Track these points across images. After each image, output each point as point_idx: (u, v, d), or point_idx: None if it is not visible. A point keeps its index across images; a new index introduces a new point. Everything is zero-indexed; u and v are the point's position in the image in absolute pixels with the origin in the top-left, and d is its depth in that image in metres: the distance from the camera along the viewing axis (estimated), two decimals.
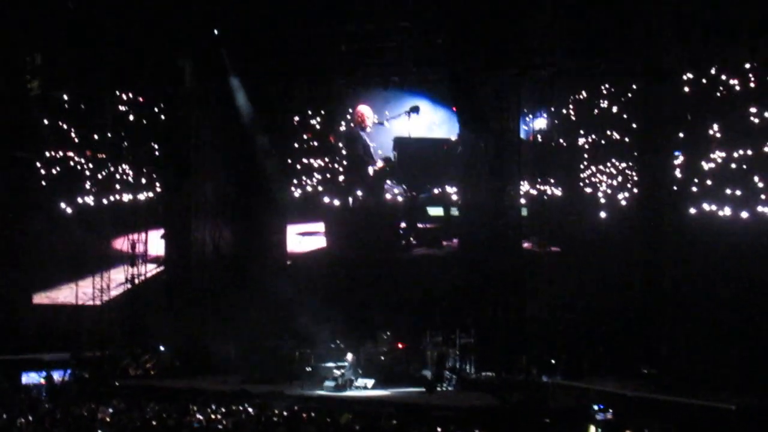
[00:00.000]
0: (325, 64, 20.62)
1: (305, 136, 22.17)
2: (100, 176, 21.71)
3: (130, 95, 21.75)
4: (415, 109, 19.56)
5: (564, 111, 20.35)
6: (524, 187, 19.61)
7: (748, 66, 17.36)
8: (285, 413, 14.34)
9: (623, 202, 19.59)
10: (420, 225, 21.17)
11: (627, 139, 19.86)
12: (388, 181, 20.34)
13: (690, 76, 17.94)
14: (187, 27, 20.11)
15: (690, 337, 17.24)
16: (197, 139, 20.69)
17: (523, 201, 19.51)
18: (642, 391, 15.88)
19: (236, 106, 20.52)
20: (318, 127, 22.12)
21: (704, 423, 14.37)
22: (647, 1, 18.12)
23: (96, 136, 21.72)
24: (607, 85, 19.97)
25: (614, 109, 19.94)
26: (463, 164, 19.54)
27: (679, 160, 18.28)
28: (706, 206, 17.67)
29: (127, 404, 15.28)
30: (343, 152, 21.22)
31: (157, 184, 21.65)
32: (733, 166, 17.55)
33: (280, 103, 21.56)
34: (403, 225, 20.80)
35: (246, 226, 21.01)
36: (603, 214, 19.69)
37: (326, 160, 22.06)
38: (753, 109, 17.29)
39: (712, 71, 17.80)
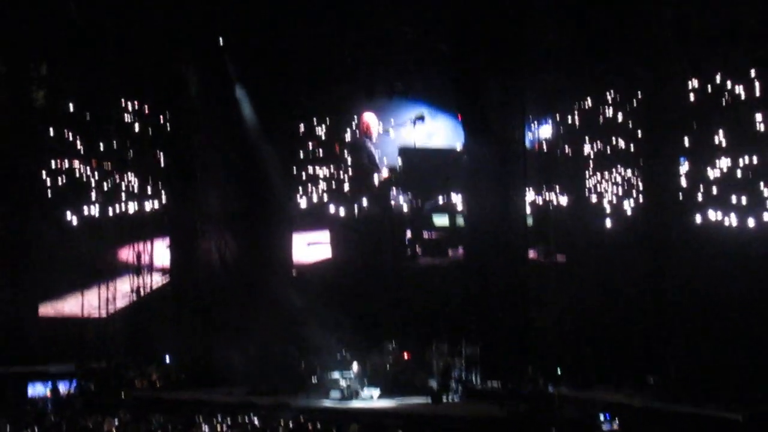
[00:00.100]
0: (331, 73, 20.65)
1: (311, 145, 22.19)
2: (105, 186, 21.67)
3: (135, 105, 21.73)
4: (420, 118, 19.63)
5: (569, 119, 20.32)
6: (529, 195, 19.59)
7: (753, 74, 17.32)
8: (291, 424, 14.33)
9: (628, 210, 19.55)
10: (425, 234, 21.17)
11: (632, 147, 19.82)
12: (394, 190, 20.36)
13: (695, 83, 17.91)
14: (192, 37, 20.11)
15: (696, 346, 17.19)
16: (202, 148, 20.68)
17: (528, 209, 19.50)
18: (648, 401, 15.87)
19: (241, 116, 20.51)
20: (323, 136, 22.13)
21: None
22: (652, 10, 18.08)
23: (101, 146, 21.68)
24: (611, 93, 19.94)
25: (619, 117, 19.90)
26: (469, 173, 19.53)
27: (684, 167, 18.24)
28: (711, 213, 17.63)
29: (133, 416, 15.30)
30: (349, 161, 21.24)
31: (163, 194, 21.63)
32: (739, 173, 17.51)
33: (286, 112, 21.54)
34: (408, 234, 20.81)
35: (251, 236, 20.96)
36: (608, 222, 19.65)
37: (332, 168, 22.06)
38: (758, 116, 17.25)
39: (717, 79, 17.76)
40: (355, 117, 21.15)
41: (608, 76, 19.38)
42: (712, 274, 17.17)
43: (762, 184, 17.15)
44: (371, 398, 17.56)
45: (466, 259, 20.04)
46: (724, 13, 17.23)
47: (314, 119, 22.22)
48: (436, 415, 16.32)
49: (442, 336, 18.67)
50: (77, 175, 21.72)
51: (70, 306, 21.35)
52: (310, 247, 22.08)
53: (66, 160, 21.81)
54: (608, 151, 20.15)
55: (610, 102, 20.03)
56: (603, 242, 19.48)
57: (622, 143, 19.97)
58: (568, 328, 18.30)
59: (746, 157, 17.44)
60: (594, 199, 20.23)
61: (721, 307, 16.99)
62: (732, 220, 17.37)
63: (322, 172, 22.05)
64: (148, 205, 21.63)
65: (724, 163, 17.70)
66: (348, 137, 21.53)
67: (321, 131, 22.10)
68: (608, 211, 19.84)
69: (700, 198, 17.91)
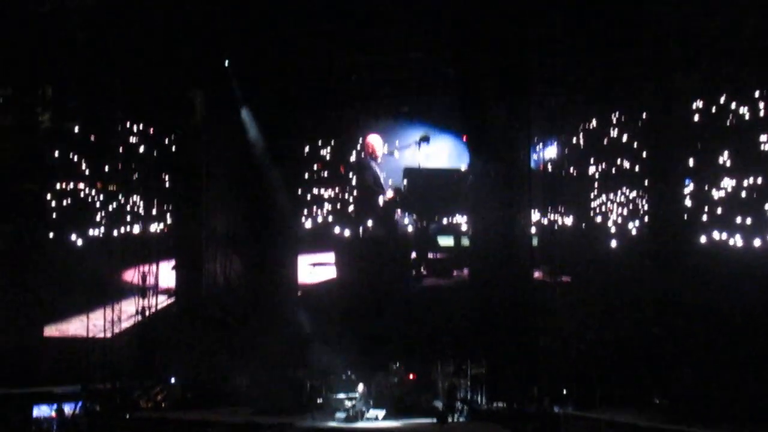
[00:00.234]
0: (336, 95, 20.71)
1: (316, 167, 22.23)
2: (110, 208, 21.70)
3: (141, 127, 21.78)
4: (425, 139, 19.63)
5: (574, 140, 20.36)
6: (535, 216, 19.61)
7: (757, 94, 17.36)
8: None
9: (634, 231, 19.56)
10: (430, 255, 21.18)
11: (637, 168, 19.86)
12: (399, 211, 20.37)
13: (700, 104, 17.95)
14: (197, 58, 20.16)
15: (703, 367, 17.15)
16: (208, 170, 20.72)
17: (533, 230, 19.51)
18: (655, 422, 15.81)
19: (247, 137, 20.56)
20: (328, 157, 22.18)
21: None
22: (658, 30, 18.13)
23: (107, 168, 21.73)
24: (617, 114, 19.99)
25: (624, 138, 19.94)
26: (474, 194, 19.54)
27: (690, 188, 18.27)
28: (716, 234, 17.64)
29: None
30: (354, 182, 21.27)
31: (168, 216, 21.66)
32: (744, 194, 17.53)
33: (291, 134, 21.58)
34: (413, 255, 20.81)
35: (257, 257, 20.96)
36: (614, 243, 19.66)
37: (336, 190, 22.10)
38: (763, 137, 17.28)
39: (722, 99, 17.80)
40: (360, 138, 21.15)
41: (613, 97, 19.43)
42: (718, 294, 17.17)
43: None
44: (376, 419, 17.50)
45: (471, 280, 20.00)
46: (730, 33, 17.30)
47: (319, 141, 22.30)
48: None
49: (447, 356, 18.63)
50: (82, 196, 21.79)
51: (75, 327, 21.34)
52: (316, 268, 22.10)
53: (71, 182, 21.89)
54: (613, 172, 20.20)
55: (615, 122, 20.09)
56: (608, 262, 19.49)
57: (627, 164, 20.03)
58: (573, 348, 18.24)
59: (751, 178, 17.48)
60: (599, 219, 20.26)
61: (728, 327, 16.97)
62: (737, 240, 17.39)
63: (327, 193, 22.11)
64: (154, 227, 21.67)
65: (729, 183, 17.75)
66: (353, 158, 21.59)
67: (326, 153, 22.17)
68: (613, 231, 19.87)
69: (705, 218, 17.95)
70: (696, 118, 18.27)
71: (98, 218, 21.74)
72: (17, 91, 20.96)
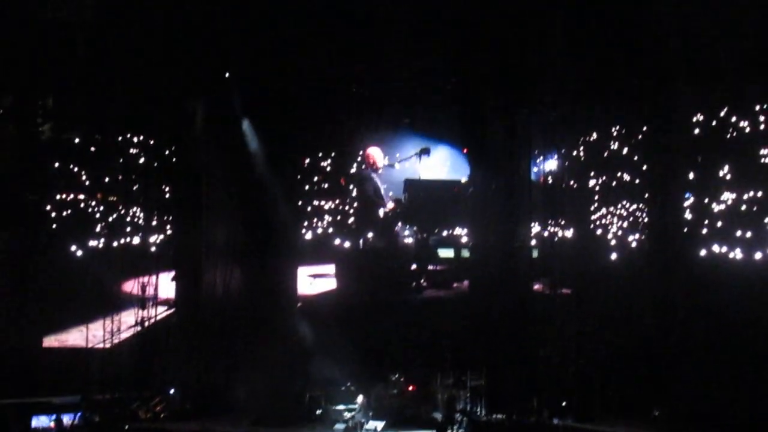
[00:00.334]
0: (336, 108, 20.72)
1: (316, 178, 22.24)
2: (110, 219, 21.70)
3: (141, 138, 21.78)
4: (425, 151, 19.68)
5: (575, 153, 20.38)
6: (535, 228, 19.62)
7: (758, 108, 17.40)
8: None
9: (634, 244, 19.57)
10: (431, 267, 21.18)
11: (638, 181, 19.87)
12: (399, 223, 20.39)
13: (700, 117, 17.98)
14: (198, 70, 20.15)
15: (702, 379, 17.16)
16: (208, 181, 20.71)
17: (534, 243, 19.52)
18: None
19: (247, 149, 20.54)
20: (329, 169, 22.19)
21: None
22: (659, 44, 18.17)
23: (107, 179, 21.72)
24: (617, 127, 20.02)
25: (625, 151, 19.96)
26: (474, 206, 19.56)
27: (690, 201, 18.29)
28: (716, 248, 17.65)
29: None
30: (354, 194, 21.28)
31: (168, 227, 21.64)
32: (744, 207, 17.55)
33: (291, 146, 21.57)
34: (413, 267, 20.82)
35: (257, 269, 20.91)
36: (614, 255, 19.67)
37: (337, 201, 22.11)
38: (763, 151, 17.31)
39: (722, 113, 17.83)
40: (361, 150, 21.17)
41: (614, 110, 19.46)
42: (718, 308, 17.19)
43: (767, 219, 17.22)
44: (375, 430, 17.51)
45: (471, 291, 20.02)
46: (731, 48, 17.35)
47: (320, 153, 22.31)
48: None
49: (446, 368, 18.65)
50: (82, 206, 21.78)
51: (74, 337, 21.32)
52: (316, 280, 22.11)
53: (71, 193, 21.88)
54: (614, 184, 20.21)
55: (615, 135, 20.11)
56: (608, 275, 19.48)
57: (627, 177, 20.04)
58: (573, 361, 18.25)
59: (751, 192, 17.50)
60: (599, 231, 20.27)
61: (727, 341, 16.98)
62: (737, 253, 17.41)
63: (328, 205, 22.12)
64: (154, 238, 21.66)
65: (729, 196, 17.77)
66: (353, 170, 21.60)
67: (326, 164, 22.19)
68: (614, 243, 19.87)
69: (705, 231, 17.96)
70: (696, 131, 18.29)
71: (98, 229, 21.71)
72: (18, 101, 20.94)
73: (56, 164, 21.53)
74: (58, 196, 21.75)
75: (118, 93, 20.36)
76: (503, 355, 18.32)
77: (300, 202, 21.95)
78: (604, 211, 20.42)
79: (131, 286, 20.54)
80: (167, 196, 21.86)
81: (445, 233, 20.99)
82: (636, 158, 19.84)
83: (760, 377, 16.40)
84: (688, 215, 18.32)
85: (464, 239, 20.77)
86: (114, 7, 19.89)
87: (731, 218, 17.90)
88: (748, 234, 17.40)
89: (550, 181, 19.67)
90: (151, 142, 21.87)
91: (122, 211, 21.72)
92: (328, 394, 18.39)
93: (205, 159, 20.63)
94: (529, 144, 18.96)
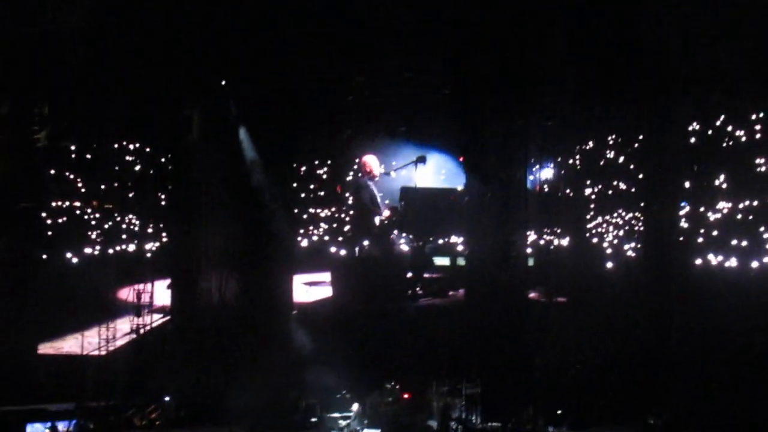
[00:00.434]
0: (332, 115, 20.73)
1: (312, 186, 22.25)
2: (106, 226, 21.68)
3: (137, 145, 21.78)
4: (421, 159, 19.69)
5: (570, 161, 20.40)
6: (531, 236, 19.62)
7: (754, 117, 17.42)
8: None
9: (630, 253, 19.59)
10: (426, 275, 21.19)
11: (633, 190, 19.89)
12: (395, 231, 20.39)
13: (696, 126, 18.00)
14: (194, 77, 20.15)
15: (697, 388, 17.16)
16: (204, 188, 20.69)
17: (529, 251, 19.52)
18: None
19: (243, 156, 20.54)
20: (325, 177, 22.19)
21: None
22: (656, 52, 18.19)
23: (102, 186, 21.71)
24: (613, 135, 20.04)
25: (620, 160, 19.98)
26: (470, 214, 19.57)
27: (686, 210, 18.30)
28: (712, 257, 17.67)
29: None
30: (350, 202, 21.28)
31: (164, 234, 21.64)
32: (740, 216, 17.57)
33: (288, 154, 21.58)
34: (409, 275, 20.81)
35: (252, 276, 20.90)
36: (609, 264, 19.68)
37: (333, 209, 22.11)
38: (759, 160, 17.34)
39: (718, 122, 17.86)
40: (357, 158, 21.18)
41: (610, 119, 19.48)
42: (714, 316, 17.20)
43: (763, 227, 17.23)
44: None
45: (467, 299, 20.01)
46: (728, 56, 17.38)
47: (316, 161, 22.31)
48: None
49: (442, 376, 18.63)
50: (78, 213, 21.77)
51: (69, 344, 21.30)
52: (312, 287, 22.10)
53: (67, 200, 21.86)
54: (609, 193, 20.23)
55: (611, 144, 20.13)
56: (604, 283, 19.50)
57: (623, 185, 20.06)
58: (568, 368, 18.25)
59: (746, 201, 17.53)
60: (595, 240, 20.28)
61: (723, 349, 16.99)
62: (733, 262, 17.43)
63: (324, 212, 22.12)
64: (149, 245, 21.65)
65: (725, 205, 17.79)
66: (350, 178, 21.60)
67: (322, 172, 22.19)
68: (609, 252, 19.89)
69: (700, 240, 17.98)
70: (693, 140, 18.32)
71: (94, 236, 21.70)
72: (14, 108, 20.92)
73: (52, 171, 21.51)
74: (54, 203, 21.74)
75: (115, 100, 20.36)
76: (499, 363, 18.30)
77: (296, 210, 21.94)
78: (599, 219, 20.42)
79: (127, 294, 20.55)
80: (163, 203, 21.86)
81: (440, 241, 21.00)
82: (632, 167, 19.85)
83: (756, 386, 16.39)
84: (684, 224, 18.32)
85: (460, 247, 20.76)
86: (111, 14, 19.88)
87: (727, 227, 17.90)
88: (744, 243, 17.41)
89: (546, 190, 19.69)
90: (148, 149, 21.87)
91: (118, 219, 21.71)
92: (324, 402, 18.36)
93: (201, 166, 20.63)
94: (525, 152, 18.96)
